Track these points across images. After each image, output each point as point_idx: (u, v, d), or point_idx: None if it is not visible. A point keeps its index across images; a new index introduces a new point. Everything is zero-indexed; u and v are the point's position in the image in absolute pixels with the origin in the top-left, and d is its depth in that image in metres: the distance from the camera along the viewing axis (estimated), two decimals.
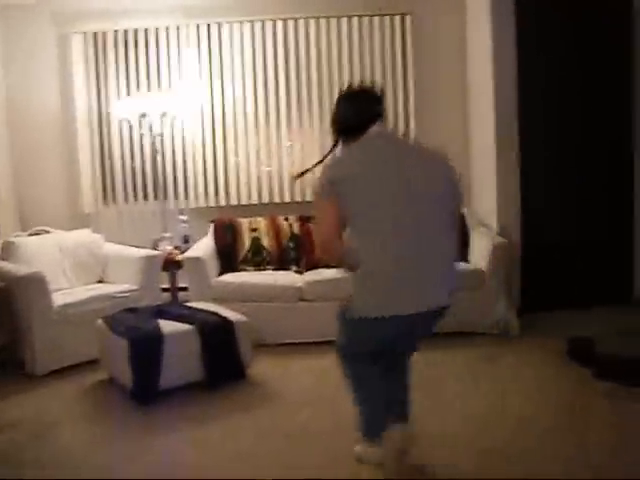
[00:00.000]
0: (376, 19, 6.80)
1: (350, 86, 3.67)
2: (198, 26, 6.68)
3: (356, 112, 3.47)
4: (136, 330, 4.65)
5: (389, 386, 3.62)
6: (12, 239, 5.82)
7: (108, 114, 6.72)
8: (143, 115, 6.42)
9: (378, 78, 6.82)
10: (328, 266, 5.97)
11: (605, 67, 6.55)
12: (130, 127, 6.65)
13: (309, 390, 4.78)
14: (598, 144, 6.61)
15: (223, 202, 6.83)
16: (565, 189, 6.59)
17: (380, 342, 3.44)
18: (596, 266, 6.66)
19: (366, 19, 6.79)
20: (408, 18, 6.83)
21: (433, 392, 4.68)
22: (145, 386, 4.54)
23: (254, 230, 6.35)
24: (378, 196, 3.24)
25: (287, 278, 5.97)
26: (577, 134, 6.56)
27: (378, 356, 3.52)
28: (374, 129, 3.41)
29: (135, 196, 6.79)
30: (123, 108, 6.52)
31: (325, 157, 3.51)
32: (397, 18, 6.83)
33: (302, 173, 3.91)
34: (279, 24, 6.74)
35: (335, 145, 3.54)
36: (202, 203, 6.81)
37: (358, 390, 3.58)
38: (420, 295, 3.26)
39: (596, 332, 5.52)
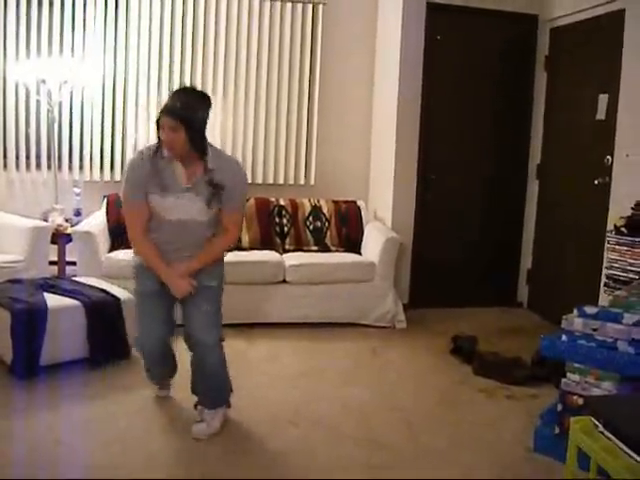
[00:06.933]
0: (289, 5, 6.80)
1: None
2: None
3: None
4: (20, 302, 4.52)
5: None
6: None
7: (4, 77, 6.44)
8: (42, 81, 6.23)
9: (285, 64, 6.87)
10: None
11: (509, 76, 6.77)
12: (27, 92, 6.43)
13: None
14: (501, 152, 6.84)
15: (118, 177, 6.66)
16: (465, 194, 6.80)
17: None
18: (486, 269, 6.90)
19: (279, 4, 6.79)
20: (320, 7, 6.87)
21: (315, 381, 4.77)
22: (26, 361, 4.42)
23: None
24: None
25: None
26: (480, 139, 6.78)
27: None
28: None
29: (28, 164, 6.55)
30: (21, 71, 6.28)
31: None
32: (309, 7, 6.86)
33: None
34: None
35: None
36: (97, 177, 6.61)
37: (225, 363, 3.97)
38: None
39: (479, 331, 5.73)
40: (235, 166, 3.84)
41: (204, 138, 3.68)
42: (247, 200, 6.35)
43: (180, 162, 3.66)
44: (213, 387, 3.95)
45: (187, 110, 3.55)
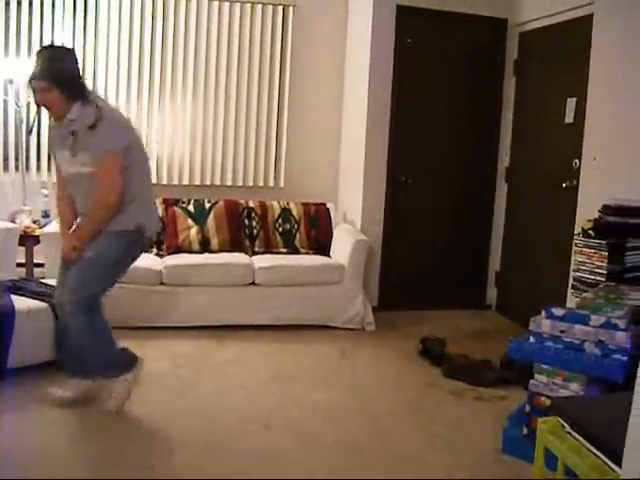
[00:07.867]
0: (259, 7, 6.80)
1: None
2: None
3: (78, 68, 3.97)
4: None
5: None
6: None
7: None
8: (10, 81, 6.19)
9: (255, 66, 6.87)
10: (190, 251, 6.01)
11: (478, 79, 6.82)
12: None
13: (165, 373, 4.74)
14: (470, 155, 6.91)
15: None
16: (434, 196, 6.83)
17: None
18: (455, 271, 6.94)
19: (248, 6, 6.78)
20: (290, 10, 6.88)
21: (285, 384, 4.76)
22: None
23: None
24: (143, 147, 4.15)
25: (148, 261, 5.86)
26: (450, 142, 6.83)
27: None
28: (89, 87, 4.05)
29: None
30: None
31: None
32: (279, 9, 6.87)
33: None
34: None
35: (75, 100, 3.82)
36: None
37: (102, 335, 3.98)
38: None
39: (448, 333, 5.75)
40: (92, 114, 3.79)
41: (78, 90, 3.84)
42: (206, 202, 6.36)
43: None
44: (75, 355, 4.11)
45: (51, 67, 3.74)
